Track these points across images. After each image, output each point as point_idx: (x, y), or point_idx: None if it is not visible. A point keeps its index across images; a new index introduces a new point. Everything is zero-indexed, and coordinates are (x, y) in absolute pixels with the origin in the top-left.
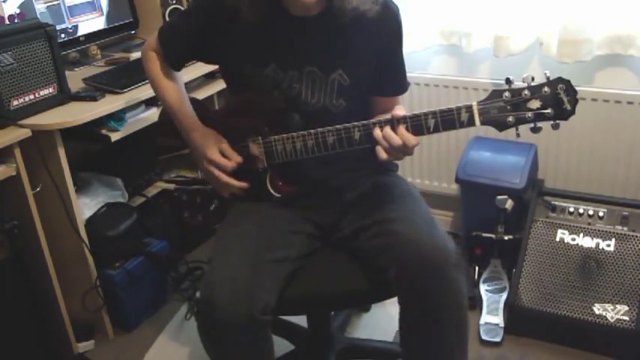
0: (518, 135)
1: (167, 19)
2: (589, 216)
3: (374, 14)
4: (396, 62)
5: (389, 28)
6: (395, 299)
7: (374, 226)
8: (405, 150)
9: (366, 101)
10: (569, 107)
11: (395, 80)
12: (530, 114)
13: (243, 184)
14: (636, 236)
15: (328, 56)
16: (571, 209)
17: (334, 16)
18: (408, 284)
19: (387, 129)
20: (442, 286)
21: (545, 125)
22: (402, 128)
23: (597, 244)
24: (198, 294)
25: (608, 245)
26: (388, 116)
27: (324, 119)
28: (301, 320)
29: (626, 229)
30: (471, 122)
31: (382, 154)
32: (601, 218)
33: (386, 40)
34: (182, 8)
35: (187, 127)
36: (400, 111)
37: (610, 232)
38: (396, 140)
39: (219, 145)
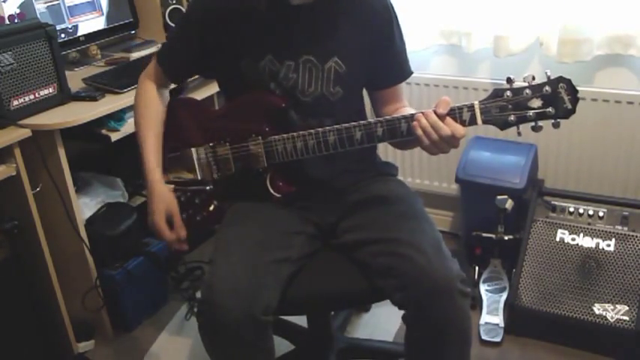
0: (519, 134)
1: (167, 19)
2: (589, 216)
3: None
4: (392, 49)
5: (379, 13)
6: None
7: (377, 244)
8: (452, 141)
9: (362, 91)
10: (570, 106)
11: (392, 68)
12: (531, 113)
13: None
14: (636, 236)
15: (323, 44)
16: (571, 209)
17: (329, 2)
18: (415, 310)
19: (433, 117)
20: (449, 313)
21: (545, 124)
22: (449, 118)
23: (597, 244)
24: (198, 294)
25: (608, 245)
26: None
27: (322, 108)
28: (301, 320)
29: (626, 229)
30: (472, 121)
31: (428, 147)
32: (601, 218)
33: (377, 27)
34: (182, 8)
35: (148, 177)
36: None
37: (610, 232)
38: (445, 130)
39: (169, 211)
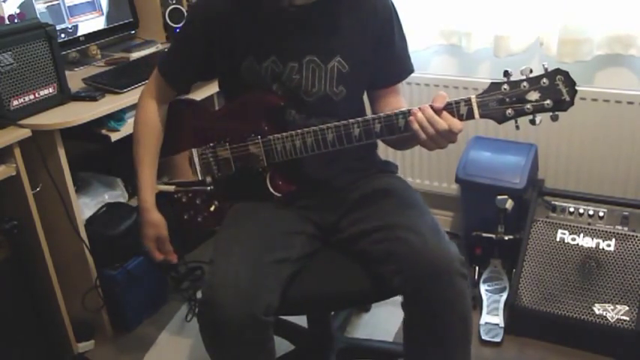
0: (517, 127)
1: (167, 19)
2: (589, 216)
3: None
4: (393, 48)
5: (380, 12)
6: (395, 299)
7: (378, 232)
8: (449, 136)
9: (363, 91)
10: (567, 98)
11: (393, 67)
12: (529, 106)
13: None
14: (636, 236)
15: (326, 44)
16: (571, 209)
17: (331, 2)
18: (413, 293)
19: (430, 111)
20: (447, 294)
21: (545, 120)
22: (445, 113)
23: (597, 244)
24: (198, 294)
25: (609, 245)
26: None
27: (325, 108)
28: (301, 320)
29: (626, 229)
30: (470, 115)
31: (425, 142)
32: (601, 218)
33: (378, 25)
34: (182, 8)
35: (142, 205)
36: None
37: (610, 232)
38: (442, 124)
39: (159, 237)
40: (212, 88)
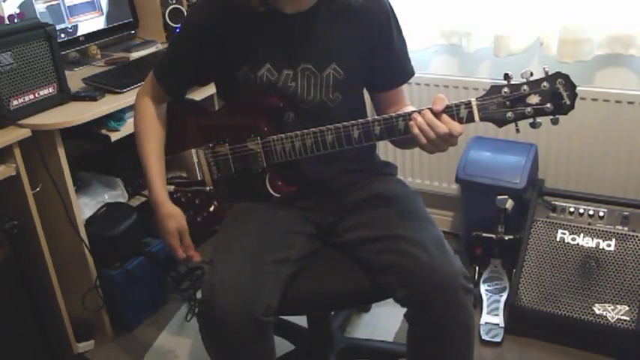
0: (517, 130)
1: (167, 19)
2: (589, 216)
3: (361, 4)
4: (392, 50)
5: (377, 16)
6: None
7: (378, 242)
8: (449, 139)
9: (362, 94)
10: (568, 102)
11: (393, 69)
12: (529, 109)
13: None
14: (636, 236)
15: (321, 51)
16: (571, 209)
17: (324, 9)
18: (418, 306)
19: (429, 115)
20: (452, 309)
21: (544, 121)
22: (446, 116)
23: (597, 244)
24: (198, 294)
25: (609, 245)
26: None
27: (321, 114)
28: (301, 320)
29: (626, 229)
30: (470, 118)
31: (425, 145)
32: (601, 218)
33: (376, 29)
34: (182, 8)
35: (156, 200)
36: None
37: (610, 232)
38: (442, 128)
39: (180, 230)
40: (211, 89)
